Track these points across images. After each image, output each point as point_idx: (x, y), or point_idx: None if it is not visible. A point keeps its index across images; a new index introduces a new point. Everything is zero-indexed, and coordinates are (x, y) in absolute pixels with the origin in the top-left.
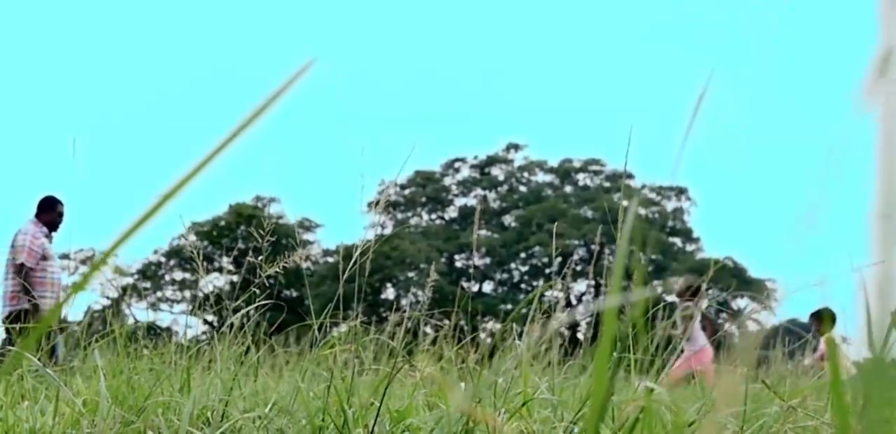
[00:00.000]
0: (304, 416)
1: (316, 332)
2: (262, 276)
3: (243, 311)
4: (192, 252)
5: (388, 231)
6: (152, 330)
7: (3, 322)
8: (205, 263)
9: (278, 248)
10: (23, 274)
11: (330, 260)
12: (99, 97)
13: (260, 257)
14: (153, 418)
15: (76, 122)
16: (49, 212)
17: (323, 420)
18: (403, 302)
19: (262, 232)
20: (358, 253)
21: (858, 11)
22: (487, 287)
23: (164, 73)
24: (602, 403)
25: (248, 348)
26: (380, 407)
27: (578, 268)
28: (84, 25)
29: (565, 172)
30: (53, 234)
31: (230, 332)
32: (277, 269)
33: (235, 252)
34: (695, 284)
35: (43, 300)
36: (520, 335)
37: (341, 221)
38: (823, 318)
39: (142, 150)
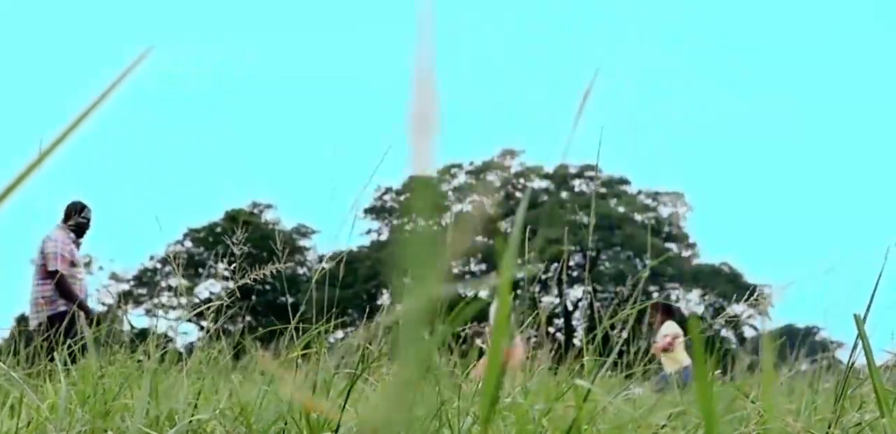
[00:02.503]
0: (272, 416)
1: (295, 336)
2: (251, 280)
3: (222, 319)
4: (176, 264)
5: (383, 237)
6: (143, 336)
7: (40, 327)
8: (200, 269)
9: (273, 254)
10: (56, 281)
11: (325, 266)
12: None
13: (252, 266)
14: (118, 421)
15: None
16: (76, 217)
17: (286, 423)
18: (399, 308)
19: (247, 238)
20: (327, 262)
21: (861, 15)
22: (483, 293)
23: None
24: (491, 402)
25: (230, 352)
26: (343, 408)
27: (574, 274)
28: None
29: (561, 178)
30: (80, 239)
31: (212, 337)
32: (265, 274)
33: (231, 258)
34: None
35: (72, 306)
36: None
37: (338, 227)
38: (664, 311)
39: None
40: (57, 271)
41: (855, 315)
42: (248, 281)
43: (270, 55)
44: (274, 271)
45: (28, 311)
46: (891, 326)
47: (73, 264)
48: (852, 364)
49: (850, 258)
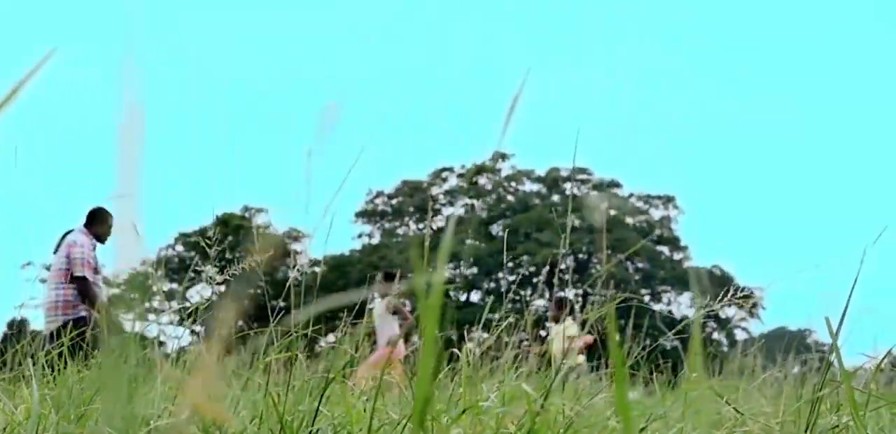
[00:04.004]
0: (245, 420)
1: (275, 339)
2: (228, 276)
3: (201, 318)
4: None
5: (375, 241)
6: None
7: (61, 331)
8: (191, 273)
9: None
10: (83, 287)
11: (317, 270)
12: None
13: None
14: (91, 425)
15: None
16: (100, 224)
17: (259, 428)
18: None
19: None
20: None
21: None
22: (475, 296)
23: None
24: (423, 406)
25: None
26: (316, 413)
27: (566, 277)
28: None
29: (553, 181)
30: (100, 246)
31: (202, 340)
32: (244, 269)
33: (222, 262)
34: (394, 273)
35: (92, 312)
36: (506, 345)
37: (330, 231)
38: (561, 305)
39: None
40: (83, 277)
41: (826, 318)
42: (227, 277)
43: (262, 58)
44: (253, 266)
45: (41, 315)
46: (873, 328)
47: (95, 271)
48: (829, 366)
49: (837, 259)
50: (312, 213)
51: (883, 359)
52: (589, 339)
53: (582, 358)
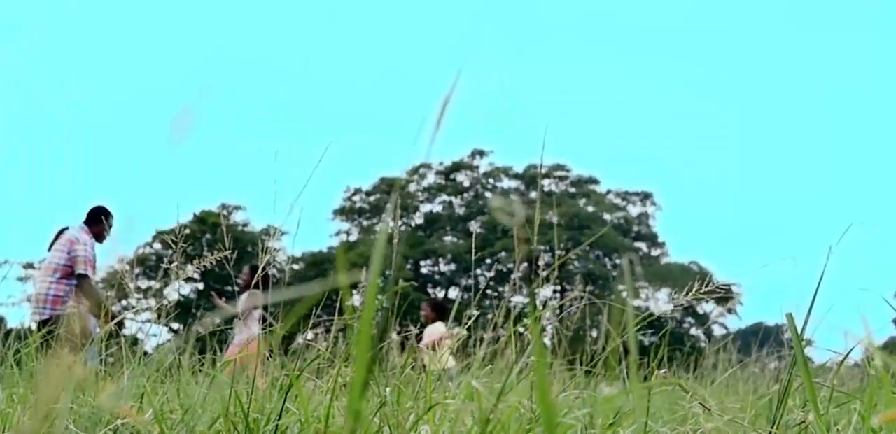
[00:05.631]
0: (211, 417)
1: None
2: (198, 268)
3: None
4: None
5: (353, 238)
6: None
7: (42, 325)
8: (168, 271)
9: (243, 256)
10: (85, 284)
11: (296, 267)
12: None
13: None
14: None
15: None
16: (99, 223)
17: (224, 425)
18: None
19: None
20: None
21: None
22: (453, 293)
23: None
24: (355, 419)
25: (190, 353)
26: (281, 412)
27: (544, 273)
28: None
29: (531, 178)
30: (98, 245)
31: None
32: (212, 263)
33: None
34: (259, 273)
35: (82, 308)
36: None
37: (308, 228)
38: (436, 309)
39: None
40: (85, 275)
41: (787, 314)
42: (195, 269)
43: (239, 56)
44: (220, 259)
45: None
46: (847, 323)
47: (94, 269)
48: (794, 363)
49: (812, 254)
50: (283, 210)
51: (847, 354)
52: (446, 336)
53: (452, 361)
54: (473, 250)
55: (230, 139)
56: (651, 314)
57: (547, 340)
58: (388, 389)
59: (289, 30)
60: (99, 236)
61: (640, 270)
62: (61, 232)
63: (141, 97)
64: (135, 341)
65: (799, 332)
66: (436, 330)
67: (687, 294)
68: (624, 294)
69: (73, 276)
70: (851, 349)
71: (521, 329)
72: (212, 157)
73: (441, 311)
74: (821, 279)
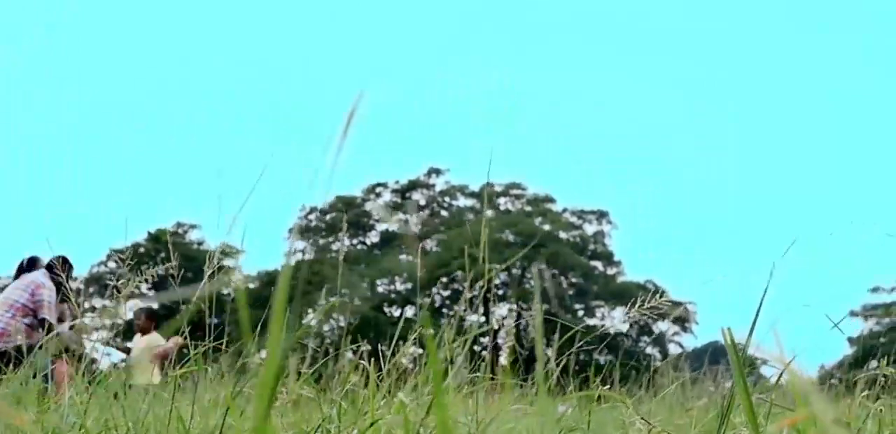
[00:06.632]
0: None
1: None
2: (146, 281)
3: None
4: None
5: (308, 257)
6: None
7: None
8: (116, 288)
9: (198, 274)
10: (44, 329)
11: (252, 286)
12: None
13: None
14: None
15: None
16: (63, 276)
17: None
18: (325, 328)
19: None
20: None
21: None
22: (409, 312)
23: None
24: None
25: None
26: (221, 428)
27: (500, 292)
28: None
29: (487, 197)
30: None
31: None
32: (154, 276)
33: (154, 278)
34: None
35: (30, 341)
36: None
37: (263, 247)
38: (150, 317)
39: None
40: (44, 320)
41: (724, 329)
42: (142, 283)
43: (194, 71)
44: (164, 272)
45: None
46: (794, 339)
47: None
48: (742, 375)
49: (763, 273)
50: (227, 227)
51: (782, 371)
52: (166, 348)
53: (157, 375)
54: (419, 269)
55: (188, 156)
56: (602, 330)
57: (503, 359)
58: (332, 408)
59: (243, 45)
60: (58, 287)
61: (595, 289)
62: (30, 265)
63: (86, 113)
64: (92, 361)
65: (739, 348)
66: (153, 341)
67: (639, 308)
68: (580, 313)
69: (31, 317)
70: (783, 369)
71: (476, 348)
72: (169, 175)
73: (157, 320)
74: (763, 295)
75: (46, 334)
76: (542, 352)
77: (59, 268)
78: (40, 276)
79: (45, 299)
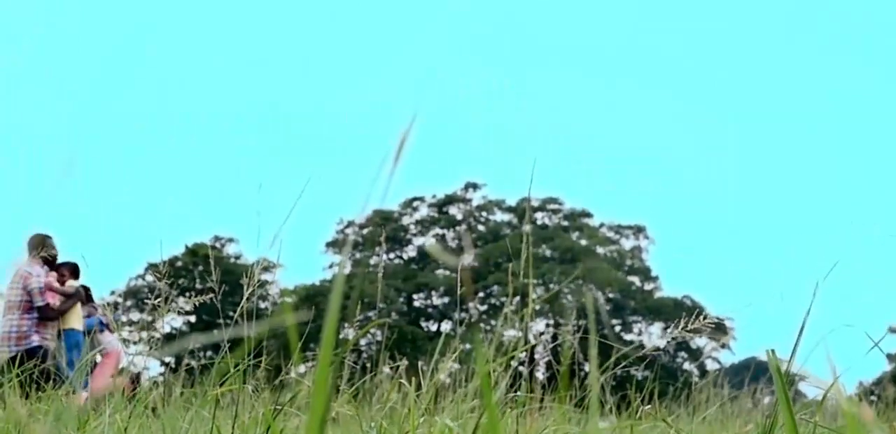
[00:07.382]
0: None
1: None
2: (191, 306)
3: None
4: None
5: (346, 271)
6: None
7: (13, 362)
8: (161, 304)
9: (236, 288)
10: (47, 314)
11: (289, 300)
12: None
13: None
14: None
15: None
16: (44, 247)
17: None
18: (362, 342)
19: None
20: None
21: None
22: (446, 326)
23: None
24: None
25: (184, 387)
26: None
27: (537, 307)
28: None
29: (523, 211)
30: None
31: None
32: (202, 301)
33: (192, 292)
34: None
35: (46, 341)
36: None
37: (301, 261)
38: (73, 271)
39: None
40: (42, 307)
41: (769, 350)
42: (185, 303)
43: (233, 87)
44: (213, 300)
45: None
46: (838, 358)
47: (50, 292)
48: (786, 398)
49: (800, 290)
50: (267, 242)
51: (828, 390)
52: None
53: (78, 324)
54: (458, 283)
55: (225, 171)
56: (642, 348)
57: (540, 375)
58: (372, 426)
59: (283, 62)
60: (48, 259)
61: (632, 304)
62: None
63: (125, 129)
64: (138, 375)
65: (783, 367)
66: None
67: (680, 328)
68: (617, 328)
69: (33, 309)
70: (830, 387)
71: (513, 363)
72: (206, 189)
73: (77, 272)
74: (807, 315)
75: (48, 318)
76: (597, 376)
77: (40, 245)
78: (26, 265)
79: (33, 287)
